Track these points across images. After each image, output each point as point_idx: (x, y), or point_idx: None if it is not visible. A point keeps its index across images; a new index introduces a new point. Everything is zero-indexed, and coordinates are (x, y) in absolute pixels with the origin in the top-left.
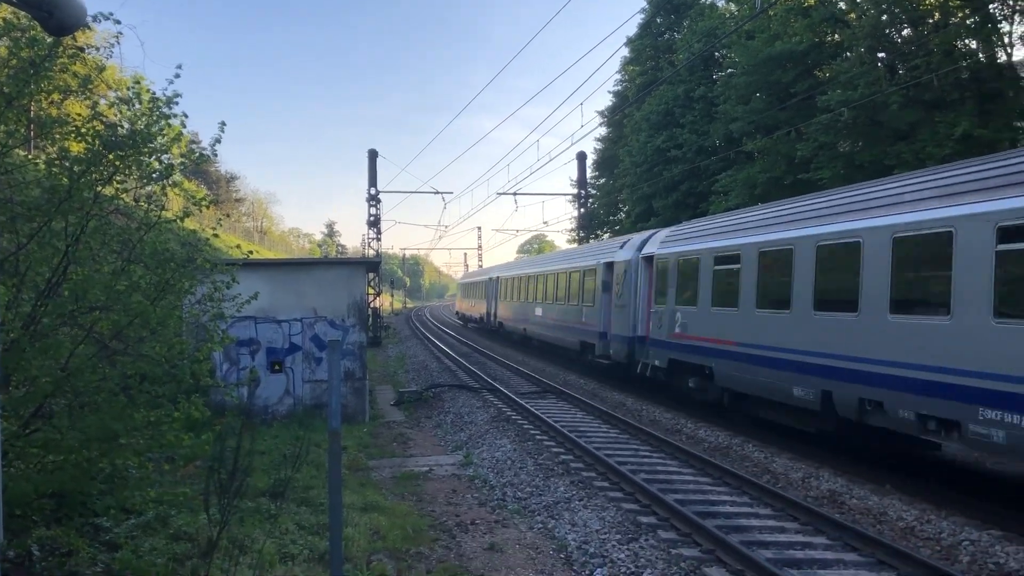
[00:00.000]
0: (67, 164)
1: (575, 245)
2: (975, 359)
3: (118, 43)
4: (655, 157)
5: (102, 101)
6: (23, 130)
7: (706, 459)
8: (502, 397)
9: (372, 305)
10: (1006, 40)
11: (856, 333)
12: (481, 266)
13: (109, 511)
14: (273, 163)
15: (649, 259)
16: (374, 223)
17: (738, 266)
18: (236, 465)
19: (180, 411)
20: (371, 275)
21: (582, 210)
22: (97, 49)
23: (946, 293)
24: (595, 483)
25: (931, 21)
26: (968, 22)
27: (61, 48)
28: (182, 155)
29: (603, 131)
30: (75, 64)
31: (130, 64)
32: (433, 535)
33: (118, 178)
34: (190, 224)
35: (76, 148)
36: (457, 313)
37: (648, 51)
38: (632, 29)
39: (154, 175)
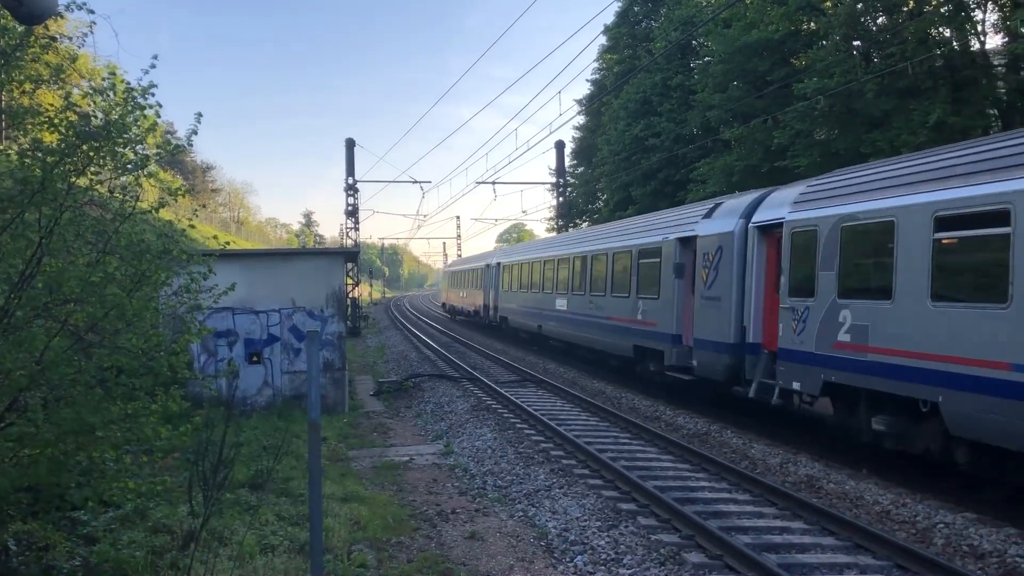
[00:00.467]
0: (40, 155)
1: (621, 221)
2: None
3: (91, 32)
4: (633, 146)
5: (75, 91)
6: None
7: (685, 446)
8: (481, 386)
9: (351, 295)
10: (979, 28)
11: None
12: (460, 255)
13: (87, 504)
14: (249, 153)
15: (770, 229)
16: (352, 213)
17: (1005, 230)
18: (220, 457)
19: (158, 404)
20: (350, 265)
21: (561, 199)
22: (70, 38)
23: None
24: (575, 471)
25: (906, 9)
26: (942, 10)
27: (32, 37)
28: (157, 146)
29: (581, 120)
30: (47, 54)
31: (104, 53)
32: (414, 524)
33: (92, 169)
34: (166, 215)
35: (49, 139)
36: (443, 305)
37: (626, 39)
38: (609, 17)
39: (129, 166)
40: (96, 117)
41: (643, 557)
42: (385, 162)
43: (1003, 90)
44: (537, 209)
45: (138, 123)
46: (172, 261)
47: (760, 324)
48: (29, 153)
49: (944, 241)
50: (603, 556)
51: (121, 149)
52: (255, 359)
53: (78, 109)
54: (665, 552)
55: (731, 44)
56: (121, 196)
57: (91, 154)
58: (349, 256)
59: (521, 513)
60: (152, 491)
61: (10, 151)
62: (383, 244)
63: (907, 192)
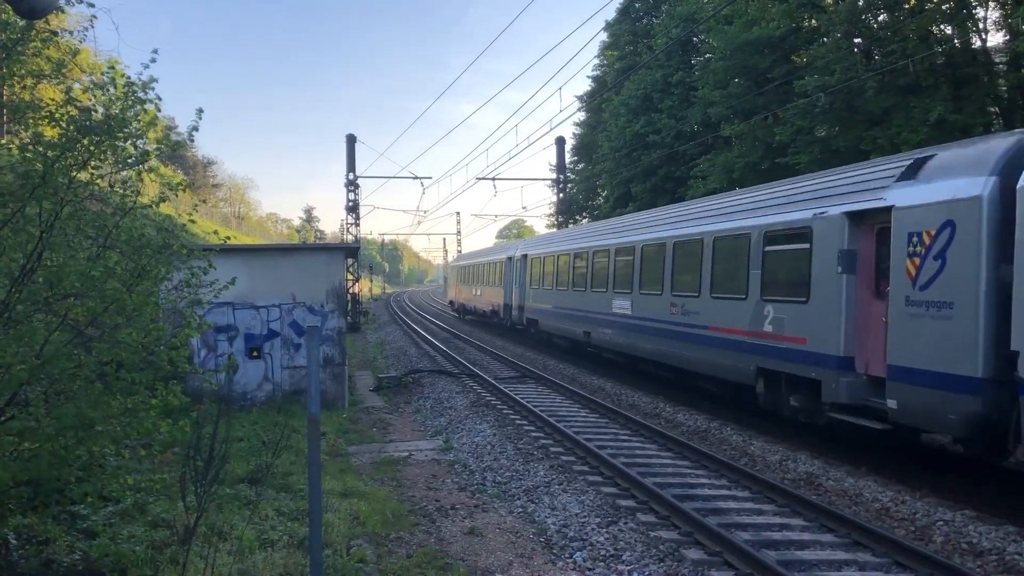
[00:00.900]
0: (41, 149)
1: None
2: None
3: (92, 26)
4: (634, 142)
5: (76, 85)
6: None
7: (684, 443)
8: (481, 382)
9: (351, 291)
10: (981, 26)
11: None
12: (460, 251)
13: (86, 498)
14: (250, 148)
15: None
16: (353, 208)
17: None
18: (212, 452)
19: (157, 398)
20: (350, 261)
21: (561, 195)
22: (71, 33)
23: None
24: (574, 467)
25: (907, 7)
26: (944, 8)
27: (34, 32)
28: (158, 140)
29: (582, 116)
30: (48, 48)
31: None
32: (413, 520)
33: (93, 163)
34: (166, 210)
35: (50, 133)
36: (451, 303)
37: (627, 36)
38: (611, 13)
39: (129, 160)
40: (97, 111)
41: (642, 553)
42: (386, 158)
43: (1004, 88)
44: (537, 205)
45: (139, 118)
46: (172, 256)
47: None
48: (30, 147)
49: None
50: (602, 552)
51: (122, 144)
52: (255, 354)
53: (79, 103)
54: (664, 548)
55: (732, 41)
56: (122, 191)
57: (92, 148)
58: (349, 252)
59: (520, 509)
60: (151, 487)
61: (11, 145)
62: (383, 240)
63: None
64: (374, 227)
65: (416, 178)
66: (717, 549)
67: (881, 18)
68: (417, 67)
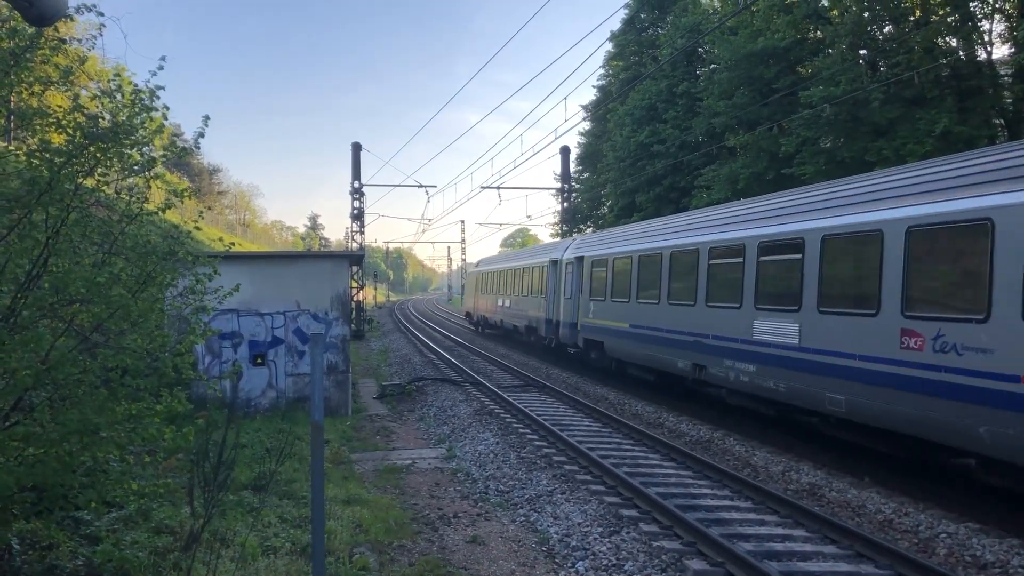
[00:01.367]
0: (48, 156)
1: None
2: None
3: (100, 34)
4: (638, 152)
5: (83, 93)
6: (3, 121)
7: (688, 453)
8: (484, 390)
9: (355, 298)
10: (986, 38)
11: None
12: (465, 260)
13: (90, 504)
14: (256, 155)
15: None
16: (357, 216)
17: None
18: (220, 459)
19: (162, 404)
20: (354, 268)
21: (565, 204)
22: (79, 40)
23: None
24: (577, 476)
25: (912, 19)
26: (949, 20)
27: (42, 39)
28: (164, 148)
29: (587, 126)
30: (57, 55)
31: (112, 55)
32: (415, 528)
33: (99, 170)
34: (172, 216)
35: (57, 140)
36: (467, 314)
37: (632, 46)
38: (616, 24)
39: (136, 167)
40: (104, 118)
41: (644, 563)
42: (391, 166)
43: (1009, 100)
44: (542, 214)
45: (145, 125)
46: (178, 262)
47: None
48: (37, 154)
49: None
50: (604, 562)
51: (128, 151)
52: (259, 361)
53: (86, 111)
54: (667, 559)
55: (737, 51)
56: (128, 197)
57: (98, 155)
58: (354, 259)
59: (523, 518)
60: (155, 493)
61: (18, 152)
62: (388, 247)
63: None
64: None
65: (421, 186)
66: (720, 560)
67: (886, 30)
68: (423, 76)
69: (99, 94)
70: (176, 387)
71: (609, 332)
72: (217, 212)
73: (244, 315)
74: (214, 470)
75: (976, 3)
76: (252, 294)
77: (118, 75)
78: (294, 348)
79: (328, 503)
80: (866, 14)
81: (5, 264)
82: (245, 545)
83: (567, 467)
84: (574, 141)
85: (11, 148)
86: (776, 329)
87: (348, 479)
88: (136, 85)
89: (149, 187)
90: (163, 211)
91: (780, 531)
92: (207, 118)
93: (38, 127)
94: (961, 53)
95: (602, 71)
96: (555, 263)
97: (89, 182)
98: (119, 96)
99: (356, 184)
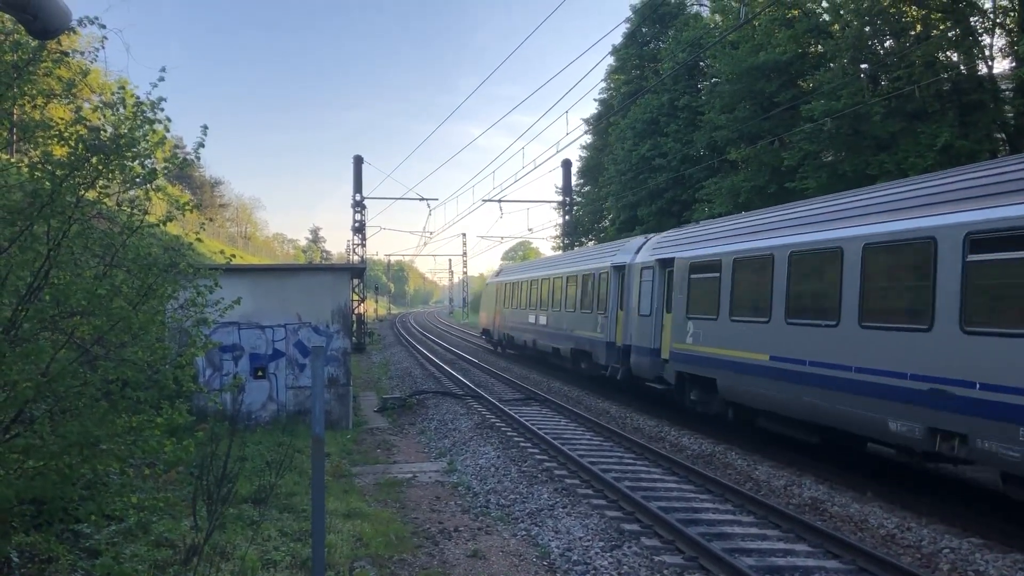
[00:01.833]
0: (50, 168)
1: None
2: None
3: (103, 47)
4: (640, 165)
5: (86, 105)
6: (5, 133)
7: (689, 467)
8: (485, 404)
9: (356, 311)
10: (987, 52)
11: None
12: (466, 272)
13: (90, 517)
14: (258, 168)
15: None
16: (359, 229)
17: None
18: (224, 472)
19: (163, 417)
20: (356, 281)
21: (567, 217)
22: (82, 53)
23: None
24: (579, 490)
25: (913, 33)
26: (950, 35)
27: (45, 52)
28: (165, 160)
29: (588, 139)
30: (59, 68)
31: (115, 67)
32: (416, 542)
33: (101, 182)
34: (173, 229)
35: (59, 152)
36: (484, 332)
37: (633, 60)
38: (617, 38)
39: (137, 179)
40: (105, 131)
41: None
42: (392, 179)
43: (1011, 114)
44: (543, 228)
45: (147, 137)
46: (179, 275)
47: None
48: (39, 166)
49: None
50: None
51: (130, 163)
52: (260, 374)
53: (88, 123)
54: (668, 573)
55: (738, 65)
56: (129, 209)
57: (100, 167)
58: (355, 272)
59: (524, 532)
60: (155, 506)
61: (20, 164)
62: (389, 260)
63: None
64: (380, 248)
65: (422, 199)
66: (722, 574)
67: (887, 44)
68: (425, 90)
69: (101, 106)
70: (177, 399)
71: (727, 365)
72: (218, 225)
73: (245, 328)
74: (217, 483)
75: (977, 18)
76: (253, 307)
77: (122, 88)
78: (295, 361)
79: (328, 516)
80: (867, 29)
81: (6, 276)
82: (245, 559)
83: (568, 481)
84: (576, 154)
85: (13, 160)
86: None
87: (349, 492)
88: (138, 97)
89: (150, 199)
90: (164, 223)
91: (782, 546)
92: (206, 128)
93: (40, 139)
94: (962, 67)
95: (603, 85)
96: (619, 269)
97: (91, 194)
98: (121, 108)
99: (358, 197)
